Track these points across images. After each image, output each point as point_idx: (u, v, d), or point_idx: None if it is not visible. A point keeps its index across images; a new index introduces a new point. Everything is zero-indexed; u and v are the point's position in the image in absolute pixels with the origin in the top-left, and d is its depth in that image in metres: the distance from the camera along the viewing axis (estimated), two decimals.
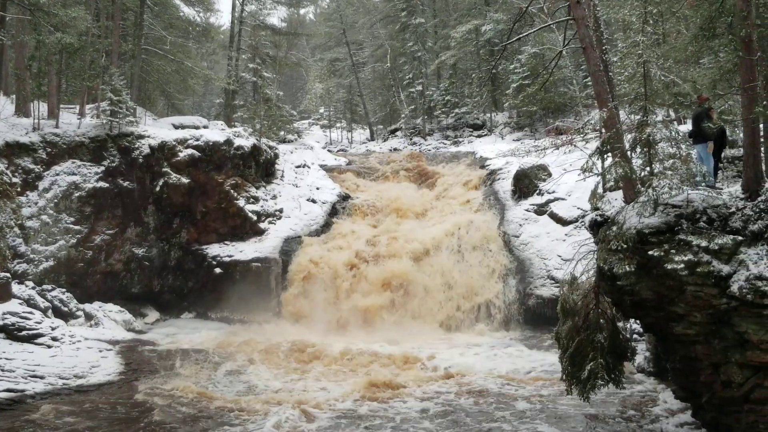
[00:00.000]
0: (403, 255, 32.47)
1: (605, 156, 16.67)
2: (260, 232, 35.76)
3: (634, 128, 16.10)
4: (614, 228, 14.81)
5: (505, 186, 36.76)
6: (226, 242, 35.45)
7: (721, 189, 15.34)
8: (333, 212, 37.82)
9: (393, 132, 63.24)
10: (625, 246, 14.22)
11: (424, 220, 36.02)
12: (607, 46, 18.02)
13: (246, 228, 35.92)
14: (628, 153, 15.82)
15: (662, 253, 13.87)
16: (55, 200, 31.47)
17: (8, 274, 27.03)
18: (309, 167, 42.31)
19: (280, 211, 37.22)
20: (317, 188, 39.65)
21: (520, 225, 33.04)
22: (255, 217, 36.04)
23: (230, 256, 34.39)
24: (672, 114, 29.63)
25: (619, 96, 21.81)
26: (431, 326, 30.09)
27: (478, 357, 25.01)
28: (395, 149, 53.89)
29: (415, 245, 32.89)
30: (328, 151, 51.64)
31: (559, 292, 17.07)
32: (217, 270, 34.11)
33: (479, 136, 54.26)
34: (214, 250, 35.02)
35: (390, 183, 41.50)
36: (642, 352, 21.32)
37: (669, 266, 13.69)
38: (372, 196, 39.46)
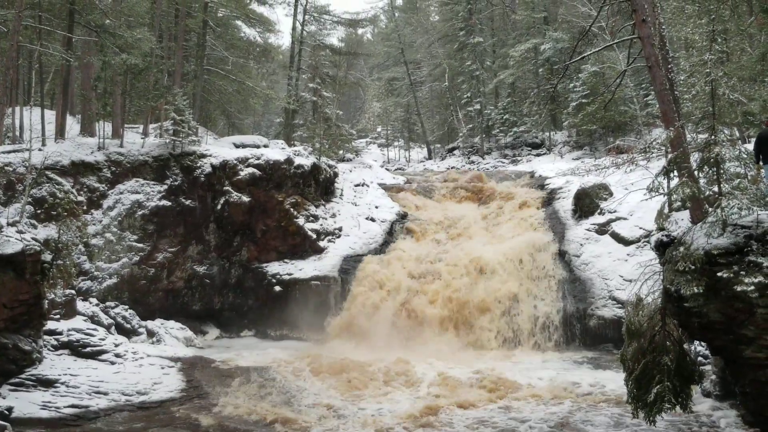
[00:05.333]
0: (462, 274, 32.37)
1: (671, 176, 16.46)
2: (320, 251, 35.91)
3: (700, 148, 15.87)
4: (681, 249, 14.61)
5: (565, 205, 36.42)
6: (285, 260, 35.64)
7: None
8: (392, 231, 37.81)
9: (451, 151, 63.22)
10: (692, 267, 14.03)
11: (483, 239, 35.76)
12: (672, 65, 17.82)
13: (305, 246, 36.09)
14: (695, 173, 15.60)
15: (731, 275, 13.65)
16: (119, 218, 32.04)
17: (73, 291, 27.60)
18: (368, 186, 42.42)
19: (340, 229, 37.36)
20: (376, 207, 39.72)
21: (581, 244, 32.69)
22: (314, 236, 36.22)
23: (290, 275, 34.59)
24: (736, 133, 29.18)
25: (684, 115, 21.54)
26: (491, 346, 29.89)
27: (540, 378, 24.73)
28: (453, 168, 53.76)
29: (474, 264, 32.73)
30: (386, 169, 51.76)
31: (624, 313, 16.86)
32: (277, 288, 34.33)
33: (538, 155, 53.99)
34: (273, 268, 35.24)
35: (449, 202, 41.36)
36: (708, 375, 20.88)
37: (738, 288, 13.47)
38: (431, 214, 39.36)
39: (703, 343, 19.56)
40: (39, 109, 36.48)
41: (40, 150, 30.69)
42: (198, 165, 34.87)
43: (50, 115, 37.14)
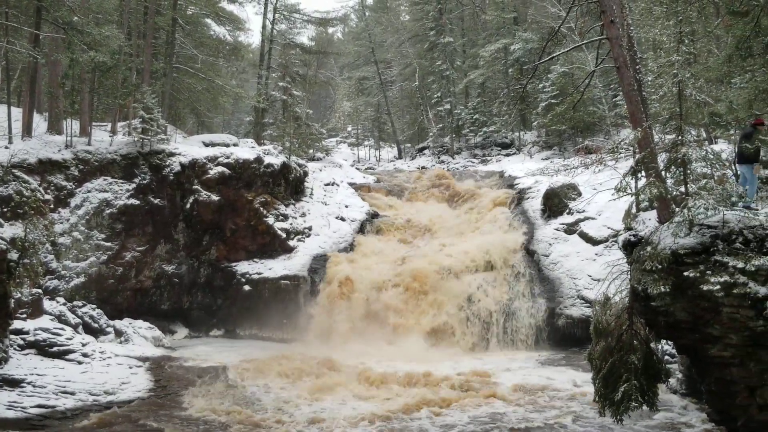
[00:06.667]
0: (431, 273, 32.40)
1: (639, 176, 16.58)
2: (289, 250, 35.82)
3: (668, 148, 15.98)
4: (648, 248, 14.70)
5: (534, 205, 36.61)
6: (255, 260, 35.55)
7: (758, 210, 15.10)
8: (362, 230, 37.79)
9: (421, 150, 63.25)
10: (659, 266, 14.11)
11: (452, 238, 35.86)
12: (640, 66, 17.96)
13: (275, 245, 36.00)
14: (663, 173, 15.71)
15: (698, 274, 13.74)
16: (87, 217, 31.77)
17: (40, 291, 27.24)
18: (338, 185, 42.38)
19: (309, 228, 37.28)
20: (346, 206, 39.68)
21: (550, 244, 32.87)
22: (284, 235, 36.13)
23: (259, 274, 34.51)
24: (704, 134, 29.44)
25: (651, 116, 21.72)
26: (459, 345, 29.98)
27: (508, 378, 24.78)
28: (423, 167, 53.84)
29: (443, 263, 32.79)
30: (357, 169, 51.68)
31: (591, 312, 16.97)
32: (246, 287, 34.23)
33: (508, 155, 54.15)
34: (243, 267, 35.14)
35: (419, 201, 41.44)
36: (675, 373, 21.07)
37: (704, 287, 13.56)
38: (401, 214, 39.45)
39: (669, 342, 19.71)
40: (5, 106, 35.98)
41: (6, 148, 30.37)
42: (167, 163, 34.66)
43: (17, 113, 36.67)
